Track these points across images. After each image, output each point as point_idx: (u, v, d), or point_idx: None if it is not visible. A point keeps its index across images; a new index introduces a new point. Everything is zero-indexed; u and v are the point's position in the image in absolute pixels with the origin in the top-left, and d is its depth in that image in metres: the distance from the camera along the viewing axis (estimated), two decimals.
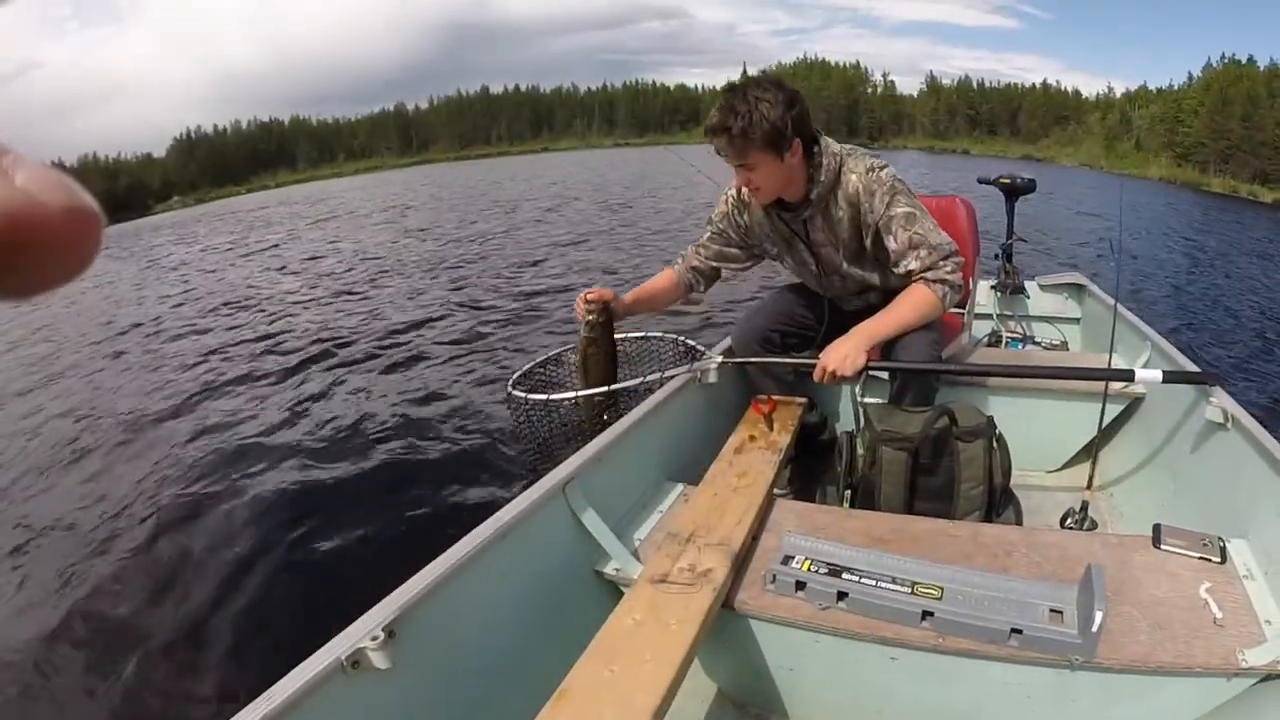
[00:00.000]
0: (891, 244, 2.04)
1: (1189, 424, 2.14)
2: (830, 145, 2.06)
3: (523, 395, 2.19)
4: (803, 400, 2.30)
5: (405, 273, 11.17)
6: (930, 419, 1.90)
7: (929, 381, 2.25)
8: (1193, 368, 2.32)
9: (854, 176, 2.04)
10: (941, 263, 2.02)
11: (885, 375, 2.39)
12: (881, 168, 2.06)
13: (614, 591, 1.63)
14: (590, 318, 2.16)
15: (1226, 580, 1.48)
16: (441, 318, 8.05)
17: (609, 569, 1.67)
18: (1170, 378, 2.12)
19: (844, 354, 1.99)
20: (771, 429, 2.05)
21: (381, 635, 1.19)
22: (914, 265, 2.03)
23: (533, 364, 2.48)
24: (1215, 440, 1.98)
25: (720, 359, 2.36)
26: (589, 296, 2.18)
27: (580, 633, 1.33)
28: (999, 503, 1.98)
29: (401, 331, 7.52)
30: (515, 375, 2.37)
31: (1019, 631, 1.33)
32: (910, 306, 2.05)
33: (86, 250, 0.20)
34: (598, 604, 1.46)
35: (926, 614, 1.39)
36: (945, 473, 1.94)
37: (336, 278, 11.44)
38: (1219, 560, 1.53)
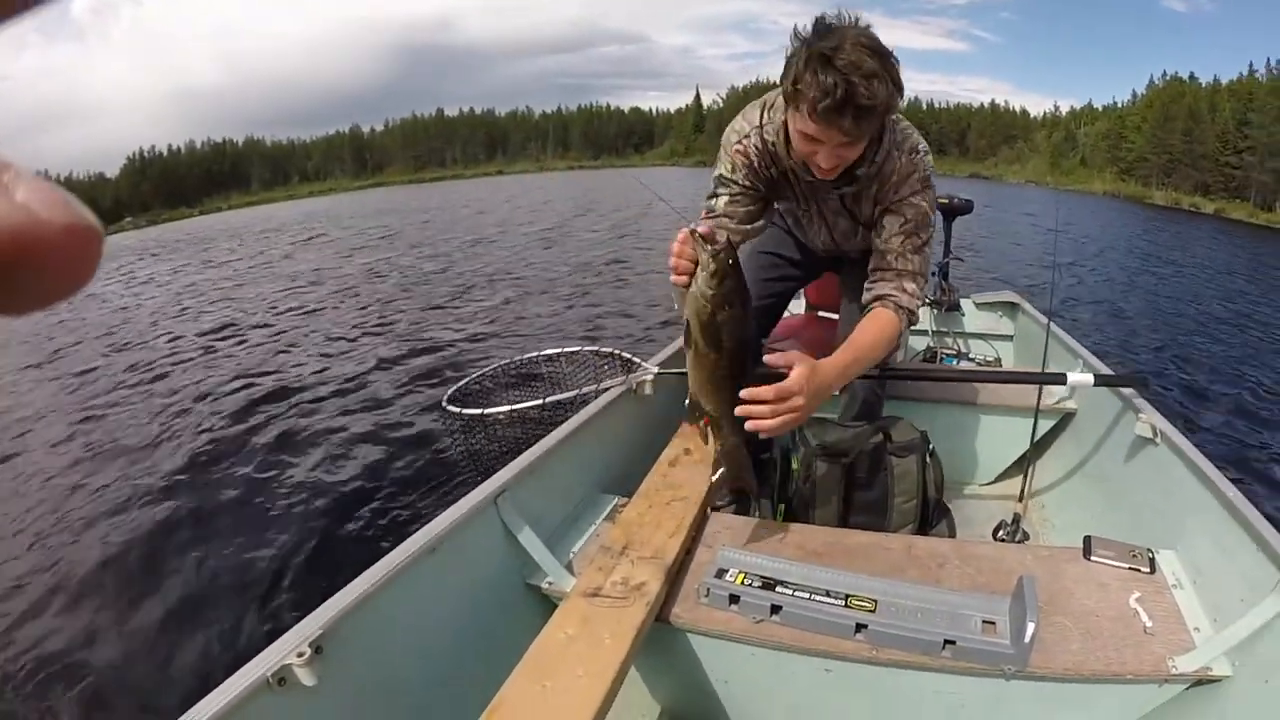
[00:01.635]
0: (884, 236, 1.83)
1: (1119, 438, 2.17)
2: (900, 123, 1.80)
3: (456, 410, 2.17)
4: None
5: (341, 302, 11.02)
6: (865, 434, 1.92)
7: (873, 399, 2.25)
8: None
9: (898, 156, 1.78)
10: (914, 286, 1.84)
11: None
12: (926, 152, 1.83)
13: (547, 605, 1.60)
14: (715, 264, 1.43)
15: (1156, 590, 1.50)
16: (376, 341, 8.02)
17: (542, 583, 1.64)
18: (1101, 381, 2.17)
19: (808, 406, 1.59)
20: (706, 441, 2.02)
21: (308, 651, 1.16)
22: (889, 278, 1.83)
23: (468, 380, 2.46)
24: (1144, 454, 2.01)
25: (656, 370, 2.35)
26: (703, 232, 1.48)
27: (513, 647, 1.30)
28: (932, 516, 2.00)
29: (333, 356, 7.50)
30: (450, 391, 2.35)
31: (952, 643, 1.33)
32: (880, 342, 1.79)
33: (86, 266, 0.20)
34: (530, 618, 1.44)
35: (860, 626, 1.38)
36: (879, 487, 1.94)
37: (270, 308, 11.23)
38: (1148, 571, 1.55)
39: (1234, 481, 1.62)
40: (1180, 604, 1.46)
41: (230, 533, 3.74)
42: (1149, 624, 1.40)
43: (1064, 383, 2.18)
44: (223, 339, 8.86)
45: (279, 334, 8.78)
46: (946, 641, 1.34)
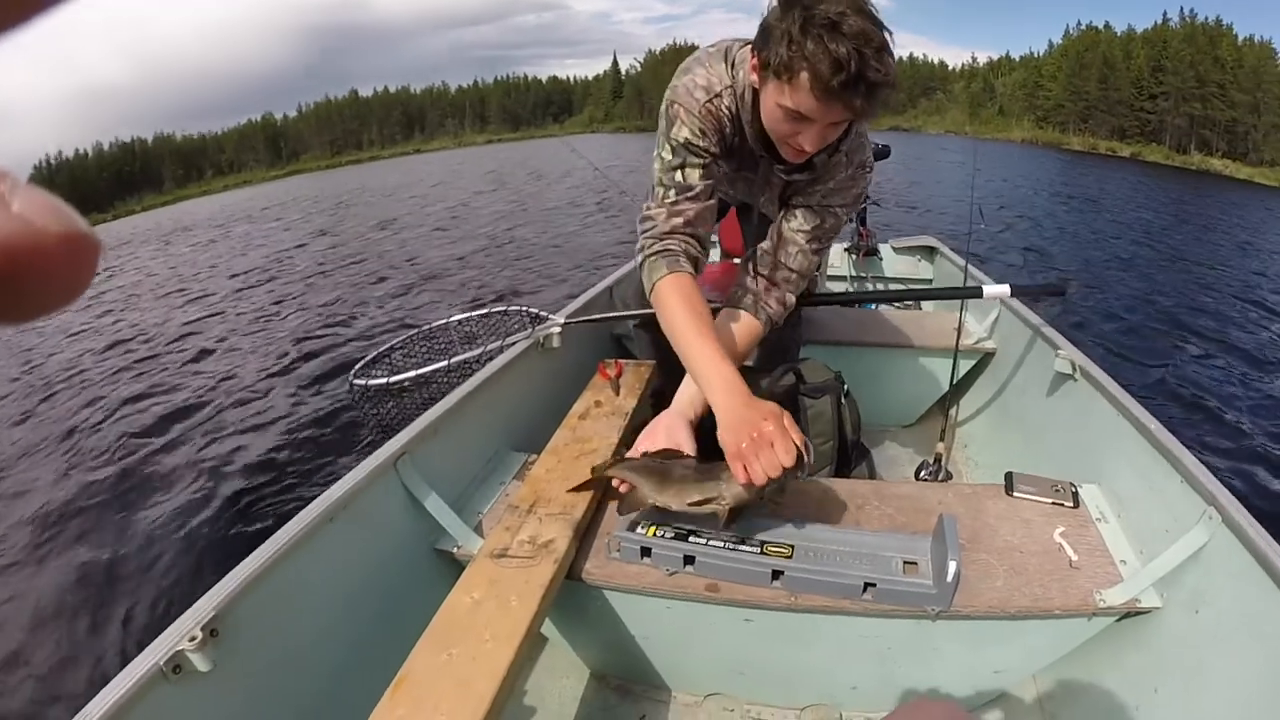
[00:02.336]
0: (793, 225, 1.68)
1: (1038, 375, 2.17)
2: (861, 126, 1.62)
3: (362, 383, 2.06)
4: (651, 362, 2.18)
5: (249, 293, 10.59)
6: (775, 377, 1.86)
7: (788, 342, 2.19)
8: (1039, 319, 2.34)
9: (846, 165, 1.63)
10: (792, 299, 1.72)
11: None
12: (870, 169, 1.69)
13: (456, 570, 1.51)
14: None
15: (1080, 524, 1.49)
16: (287, 327, 7.82)
17: (451, 547, 1.57)
18: (1018, 292, 2.15)
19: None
20: (618, 393, 1.96)
21: (200, 635, 1.08)
22: (776, 279, 1.70)
23: (377, 352, 2.34)
24: (1064, 390, 2.02)
25: (563, 322, 2.26)
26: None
27: (422, 616, 1.23)
28: (851, 458, 1.95)
29: (241, 346, 7.31)
30: (358, 365, 2.24)
31: (873, 585, 1.29)
32: (745, 348, 1.71)
33: (82, 276, 0.20)
34: (439, 584, 1.37)
35: (777, 573, 1.34)
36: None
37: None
38: (1072, 505, 1.55)
39: (1156, 415, 1.62)
40: (1105, 537, 1.45)
41: (129, 520, 3.68)
42: (1074, 558, 1.39)
43: (979, 295, 2.14)
44: (127, 340, 8.53)
45: (186, 335, 8.43)
46: (867, 584, 1.30)
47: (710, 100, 1.53)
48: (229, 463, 4.30)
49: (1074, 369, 1.95)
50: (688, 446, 1.47)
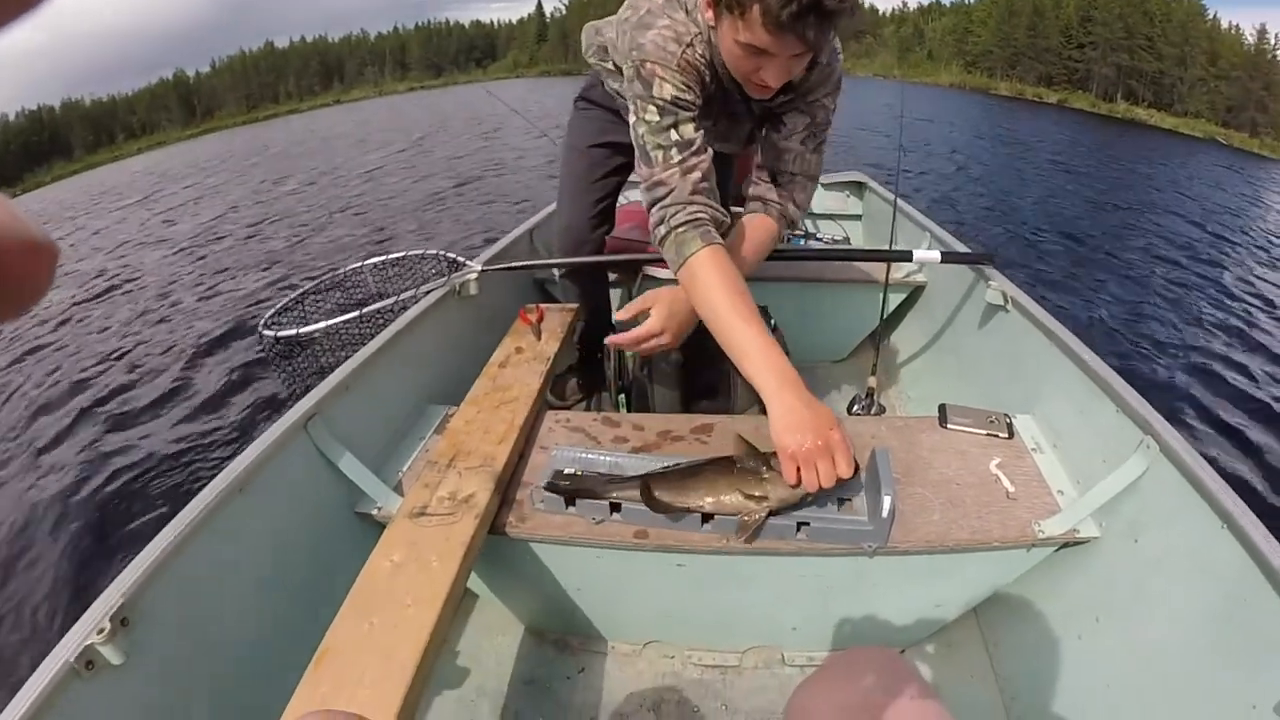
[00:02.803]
0: (784, 133, 1.59)
1: (969, 308, 2.15)
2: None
3: (271, 335, 1.95)
4: (574, 306, 2.09)
5: (159, 256, 9.94)
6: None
7: None
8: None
9: (821, 66, 1.54)
10: (804, 197, 1.64)
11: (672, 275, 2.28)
12: (839, 53, 1.58)
13: (378, 532, 1.40)
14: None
15: (1015, 455, 1.48)
16: (198, 286, 7.47)
17: (371, 509, 1.48)
18: (948, 258, 2.10)
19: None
20: (540, 338, 1.88)
21: (109, 626, 1.00)
22: (782, 181, 1.62)
23: (287, 300, 2.22)
24: (996, 322, 1.99)
25: (480, 268, 2.16)
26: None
27: (345, 583, 1.17)
28: None
29: (151, 310, 6.94)
30: (268, 315, 2.11)
31: (806, 525, 1.25)
32: (761, 253, 1.62)
33: (39, 284, 0.20)
34: (361, 548, 1.28)
35: (707, 517, 1.28)
36: (719, 367, 1.80)
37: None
38: (1006, 436, 1.53)
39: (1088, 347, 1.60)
40: (1042, 468, 1.44)
41: (28, 503, 3.46)
42: (1011, 489, 1.38)
43: (910, 259, 2.11)
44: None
45: (87, 303, 7.95)
46: (801, 524, 1.25)
47: (684, 51, 1.42)
48: (142, 436, 4.09)
49: (1005, 300, 1.92)
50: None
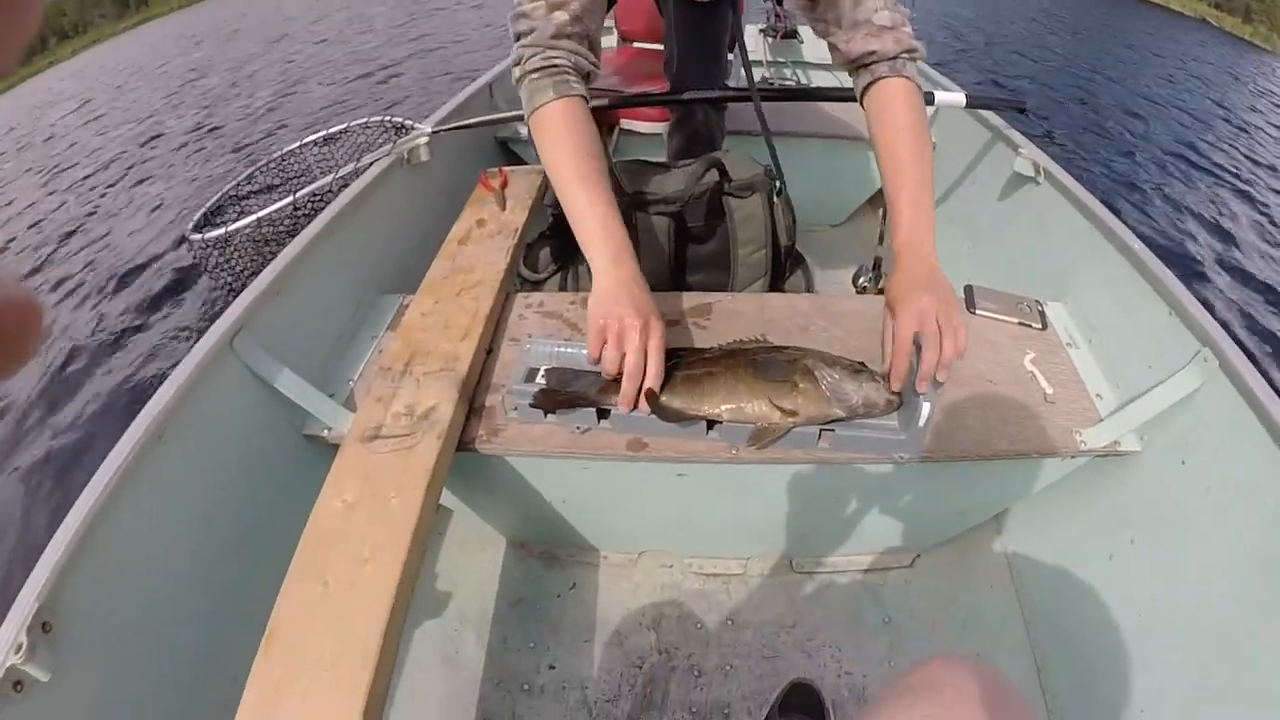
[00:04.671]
0: None
1: (992, 175, 1.86)
2: None
3: (199, 237, 1.64)
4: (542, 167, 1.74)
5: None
6: (695, 173, 1.43)
7: (708, 131, 1.84)
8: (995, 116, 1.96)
9: None
10: (906, 32, 1.19)
11: (655, 129, 1.94)
12: None
13: (333, 457, 1.12)
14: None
15: (1050, 350, 1.26)
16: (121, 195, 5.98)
17: (319, 430, 1.20)
18: (975, 102, 1.80)
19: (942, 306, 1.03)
20: (504, 207, 1.54)
21: (25, 641, 0.77)
22: (870, 30, 1.18)
23: (219, 195, 1.88)
24: (1024, 195, 1.73)
25: (430, 130, 1.79)
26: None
27: (300, 523, 0.93)
28: (785, 266, 1.59)
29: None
30: (197, 215, 1.79)
31: (830, 431, 1.01)
32: (924, 135, 1.19)
33: (27, 346, 0.18)
34: (316, 482, 1.01)
35: (712, 422, 1.03)
36: (719, 237, 1.50)
37: None
38: (1040, 327, 1.30)
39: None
40: (1078, 366, 1.23)
41: None
42: (1049, 391, 1.17)
43: (931, 103, 1.77)
44: None
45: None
46: (822, 430, 1.01)
47: None
48: (52, 390, 3.26)
49: (1037, 171, 1.65)
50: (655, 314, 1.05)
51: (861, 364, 1.04)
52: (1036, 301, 1.35)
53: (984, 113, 1.97)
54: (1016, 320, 1.30)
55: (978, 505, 1.37)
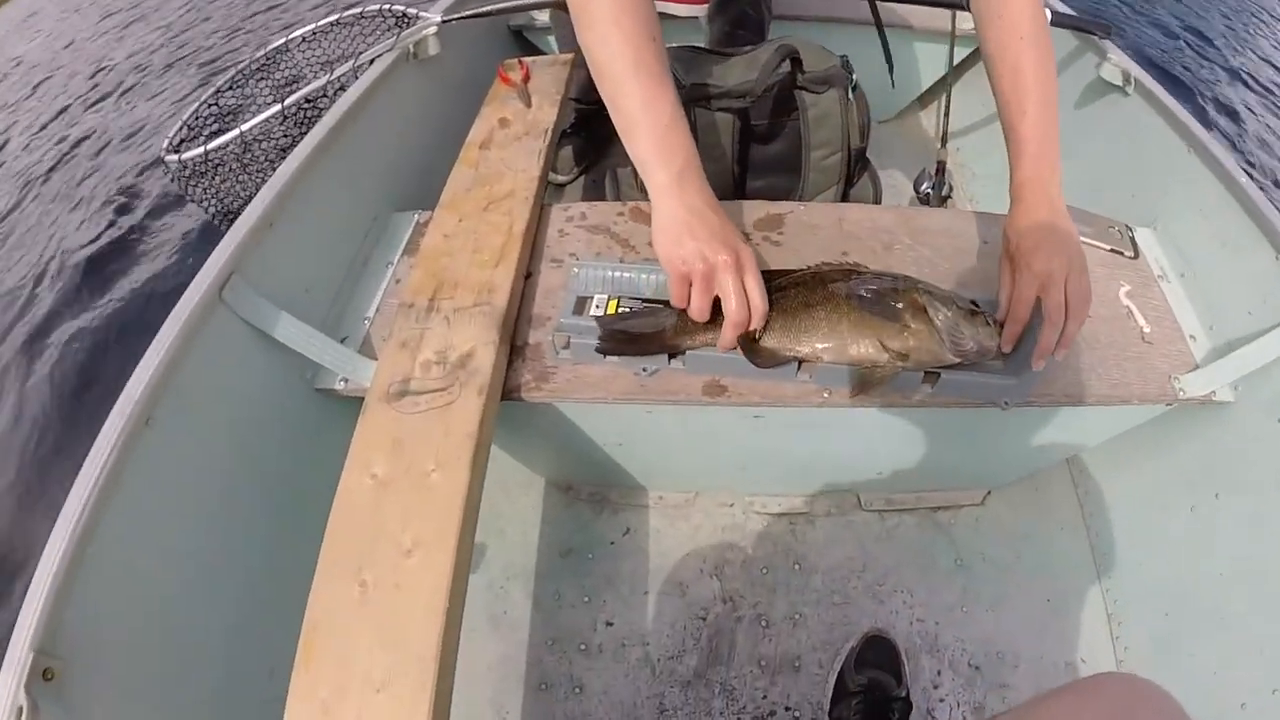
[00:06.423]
0: None
1: (1071, 81, 1.62)
2: None
3: (176, 158, 1.38)
4: (568, 56, 1.45)
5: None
6: (768, 63, 1.17)
7: (756, 14, 1.59)
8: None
9: None
10: None
11: (694, 11, 1.69)
12: None
13: (354, 415, 0.89)
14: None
15: (1144, 283, 1.10)
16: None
17: (332, 383, 1.00)
18: (1059, 20, 1.56)
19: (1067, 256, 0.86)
20: (529, 104, 1.28)
21: (25, 700, 0.62)
22: None
23: (197, 105, 1.59)
24: (1108, 104, 1.51)
25: (440, 18, 1.50)
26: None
27: (327, 502, 0.76)
28: (854, 171, 1.34)
29: None
30: (173, 131, 1.52)
31: (935, 375, 0.85)
32: (1051, 60, 0.94)
33: None
34: (336, 441, 0.83)
35: (802, 360, 0.84)
36: (788, 137, 1.25)
37: None
38: (1131, 255, 1.14)
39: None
40: (1172, 302, 1.08)
41: None
42: (1146, 329, 1.03)
43: None
44: None
45: None
46: (928, 373, 0.85)
47: None
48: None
49: (1126, 79, 1.42)
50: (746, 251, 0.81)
51: (974, 304, 0.84)
52: (1126, 226, 1.18)
53: (1060, 6, 1.73)
54: (1109, 247, 1.14)
55: (1059, 446, 1.24)
